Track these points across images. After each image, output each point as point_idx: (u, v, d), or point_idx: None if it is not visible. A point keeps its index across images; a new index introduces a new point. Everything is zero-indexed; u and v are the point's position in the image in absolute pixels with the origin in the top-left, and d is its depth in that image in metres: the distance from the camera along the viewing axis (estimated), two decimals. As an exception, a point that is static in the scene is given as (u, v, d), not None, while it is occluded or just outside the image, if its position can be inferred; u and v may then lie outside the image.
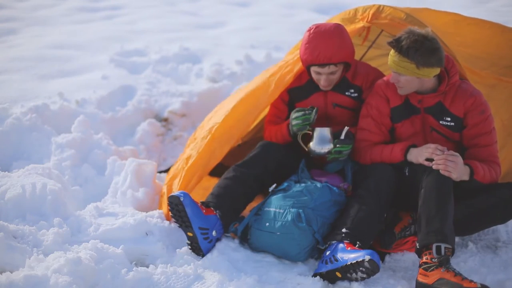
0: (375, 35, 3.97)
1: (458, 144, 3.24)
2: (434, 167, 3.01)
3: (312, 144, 3.32)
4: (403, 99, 3.29)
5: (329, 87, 3.44)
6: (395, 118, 3.32)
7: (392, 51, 3.11)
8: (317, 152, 3.30)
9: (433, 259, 2.79)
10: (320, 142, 3.30)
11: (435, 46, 3.03)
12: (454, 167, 2.98)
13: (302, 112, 3.35)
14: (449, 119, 3.20)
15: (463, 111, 3.18)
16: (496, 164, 3.16)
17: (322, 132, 3.30)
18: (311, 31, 3.33)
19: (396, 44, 3.06)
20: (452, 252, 2.82)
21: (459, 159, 3.01)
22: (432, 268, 2.77)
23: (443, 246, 2.80)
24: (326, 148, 3.29)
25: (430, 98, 3.20)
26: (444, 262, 2.77)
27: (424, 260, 2.81)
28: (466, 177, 3.05)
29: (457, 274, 2.72)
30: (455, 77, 3.17)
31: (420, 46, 3.01)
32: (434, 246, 2.81)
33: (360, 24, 3.56)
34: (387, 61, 3.17)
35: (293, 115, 3.38)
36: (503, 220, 3.15)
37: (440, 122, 3.22)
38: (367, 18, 3.55)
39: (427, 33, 3.04)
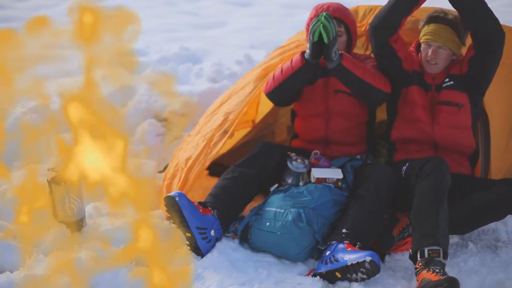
0: None
1: (466, 110, 3.23)
2: None
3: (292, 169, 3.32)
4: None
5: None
6: (411, 80, 3.29)
7: (433, 25, 3.12)
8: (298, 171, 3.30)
9: (419, 263, 2.77)
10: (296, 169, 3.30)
11: None
12: None
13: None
14: (447, 79, 3.24)
15: (459, 70, 3.23)
16: None
17: (292, 166, 3.30)
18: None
19: (443, 16, 3.10)
20: (444, 254, 2.78)
21: None
22: (419, 271, 2.75)
23: (426, 249, 2.78)
24: (302, 170, 3.29)
25: (442, 75, 3.25)
26: (428, 264, 2.74)
27: (415, 266, 2.81)
28: None
29: (438, 273, 2.67)
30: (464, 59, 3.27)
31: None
32: (421, 250, 2.79)
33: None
34: None
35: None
36: (501, 217, 3.15)
37: (442, 87, 3.22)
38: (365, 27, 3.54)
39: None
